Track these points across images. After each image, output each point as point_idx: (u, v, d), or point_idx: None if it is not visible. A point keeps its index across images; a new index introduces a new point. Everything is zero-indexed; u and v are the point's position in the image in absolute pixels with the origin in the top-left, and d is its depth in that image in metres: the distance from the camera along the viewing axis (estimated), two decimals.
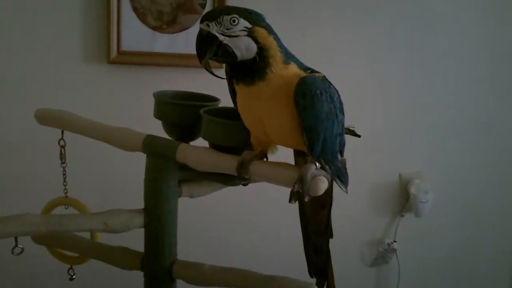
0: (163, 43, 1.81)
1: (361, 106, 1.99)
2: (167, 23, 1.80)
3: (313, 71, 1.04)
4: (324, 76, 1.04)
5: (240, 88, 1.04)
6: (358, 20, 2.00)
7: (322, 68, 1.07)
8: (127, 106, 1.86)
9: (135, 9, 1.77)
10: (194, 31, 1.69)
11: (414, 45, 2.11)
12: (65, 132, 1.31)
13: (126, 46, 1.79)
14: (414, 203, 2.16)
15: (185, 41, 1.81)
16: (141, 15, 1.79)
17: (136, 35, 1.79)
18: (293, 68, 1.02)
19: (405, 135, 2.17)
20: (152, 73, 1.85)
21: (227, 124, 1.12)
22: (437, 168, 2.22)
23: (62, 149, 1.33)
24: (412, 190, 2.15)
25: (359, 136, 1.25)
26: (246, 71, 1.00)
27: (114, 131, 1.23)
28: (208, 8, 1.81)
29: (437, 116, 2.19)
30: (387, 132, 2.15)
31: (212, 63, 1.01)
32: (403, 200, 2.21)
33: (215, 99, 1.29)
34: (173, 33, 1.82)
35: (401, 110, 2.15)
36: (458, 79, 2.19)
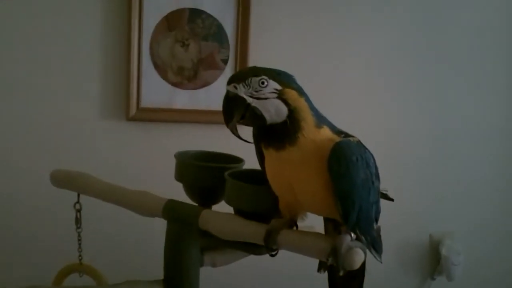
0: (183, 99, 1.80)
1: (388, 163, 1.93)
2: (188, 78, 1.80)
3: (347, 135, 1.00)
4: (359, 140, 0.99)
5: (269, 153, 0.99)
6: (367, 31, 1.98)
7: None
8: (147, 165, 1.82)
9: (155, 65, 1.77)
10: (215, 86, 1.80)
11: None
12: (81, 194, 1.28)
13: (146, 102, 1.78)
14: (446, 265, 2.07)
15: (206, 97, 1.81)
16: (162, 71, 1.78)
17: (156, 91, 1.78)
18: (326, 132, 0.98)
19: (435, 193, 2.11)
20: (172, 130, 1.83)
21: (254, 189, 1.08)
22: (470, 228, 2.14)
23: (78, 213, 1.29)
24: (444, 251, 2.08)
25: (392, 200, 1.19)
26: (276, 135, 0.96)
27: (133, 195, 1.19)
28: (230, 63, 1.81)
29: (469, 172, 2.13)
30: (416, 190, 2.08)
31: None
32: (434, 262, 2.13)
33: (239, 160, 1.25)
34: (194, 89, 1.81)
35: (430, 166, 2.09)
36: (489, 127, 2.13)
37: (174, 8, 1.76)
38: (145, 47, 1.76)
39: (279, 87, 0.96)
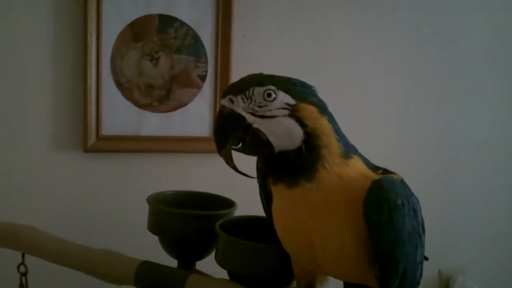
0: (153, 124, 1.67)
1: None
2: (159, 99, 1.67)
3: (386, 171, 0.83)
4: (403, 179, 0.83)
5: (278, 190, 0.83)
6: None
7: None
8: (110, 208, 1.67)
9: (118, 84, 1.64)
10: (192, 108, 1.69)
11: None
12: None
13: (108, 129, 1.65)
14: None
15: (181, 121, 1.68)
16: (126, 91, 1.65)
17: (119, 115, 1.66)
18: (357, 165, 0.82)
19: (444, 224, 2.01)
20: (141, 163, 1.69)
21: (257, 248, 0.92)
22: (483, 263, 2.05)
23: (23, 278, 1.15)
24: None
25: (426, 259, 1.03)
26: (287, 167, 0.80)
27: (95, 256, 1.05)
28: (209, 80, 1.68)
29: (480, 201, 2.05)
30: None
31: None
32: None
33: (230, 204, 1.12)
34: (167, 111, 1.68)
35: (438, 195, 1.99)
36: (503, 156, 2.05)
37: (141, 14, 1.64)
38: (105, 62, 1.64)
39: (292, 101, 0.80)
